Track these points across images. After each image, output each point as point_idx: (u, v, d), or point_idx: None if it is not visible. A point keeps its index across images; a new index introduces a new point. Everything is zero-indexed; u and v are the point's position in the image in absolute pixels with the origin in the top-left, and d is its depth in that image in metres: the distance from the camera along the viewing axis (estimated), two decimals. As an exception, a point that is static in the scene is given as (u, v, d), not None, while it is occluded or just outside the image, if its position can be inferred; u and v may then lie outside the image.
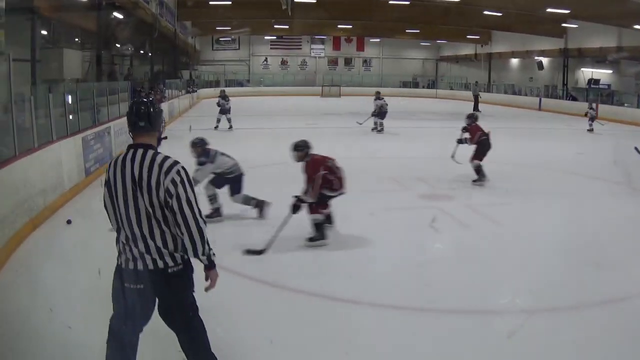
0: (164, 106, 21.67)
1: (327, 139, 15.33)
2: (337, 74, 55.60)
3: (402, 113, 29.36)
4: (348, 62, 57.58)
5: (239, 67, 54.45)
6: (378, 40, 55.62)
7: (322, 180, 7.29)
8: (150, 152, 3.40)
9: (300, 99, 42.79)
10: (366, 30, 48.19)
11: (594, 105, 24.21)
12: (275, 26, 42.79)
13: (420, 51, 57.61)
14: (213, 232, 7.21)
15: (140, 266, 3.37)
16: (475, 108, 32.15)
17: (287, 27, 42.69)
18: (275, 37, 53.51)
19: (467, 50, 51.75)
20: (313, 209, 7.42)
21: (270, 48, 55.47)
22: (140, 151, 3.39)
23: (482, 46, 48.85)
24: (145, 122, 3.44)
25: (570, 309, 5.67)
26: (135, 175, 3.32)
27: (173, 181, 3.32)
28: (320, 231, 7.49)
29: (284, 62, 56.18)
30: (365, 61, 57.86)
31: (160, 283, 3.39)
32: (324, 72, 56.02)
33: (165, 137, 3.78)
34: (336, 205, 8.03)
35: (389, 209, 9.47)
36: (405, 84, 55.89)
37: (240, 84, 51.51)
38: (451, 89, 53.07)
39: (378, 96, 21.42)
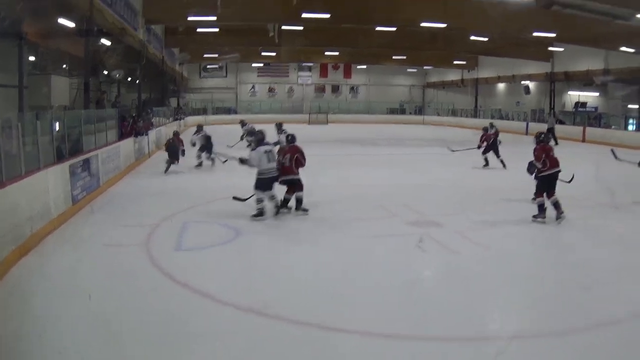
0: (152, 134, 21.76)
1: (314, 166, 14.86)
2: (325, 101, 56.26)
3: (390, 140, 29.79)
4: (335, 89, 58.25)
5: (227, 94, 54.94)
6: (365, 67, 56.20)
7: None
8: None
9: (288, 126, 42.06)
10: (353, 57, 48.65)
11: None
12: (263, 53, 43.02)
13: (407, 77, 58.38)
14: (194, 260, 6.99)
15: None
16: (554, 140, 26.90)
17: (275, 54, 42.82)
18: (262, 65, 53.95)
19: (453, 75, 52.25)
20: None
21: (258, 75, 56.05)
22: None
23: (468, 71, 49.29)
24: None
25: (559, 334, 5.69)
26: None
27: None
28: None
29: (271, 90, 56.72)
30: (352, 88, 58.61)
31: None
32: (311, 99, 56.66)
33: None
34: (324, 231, 8.06)
35: (377, 236, 9.41)
36: (392, 111, 56.54)
37: (229, 111, 51.99)
38: (438, 115, 53.76)
39: (280, 128, 18.08)
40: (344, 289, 6.95)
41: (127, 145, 17.42)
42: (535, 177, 10.28)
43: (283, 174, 10.39)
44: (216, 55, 43.63)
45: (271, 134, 12.40)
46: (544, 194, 10.16)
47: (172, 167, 16.42)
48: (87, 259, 8.00)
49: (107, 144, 14.87)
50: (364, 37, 32.85)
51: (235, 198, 11.06)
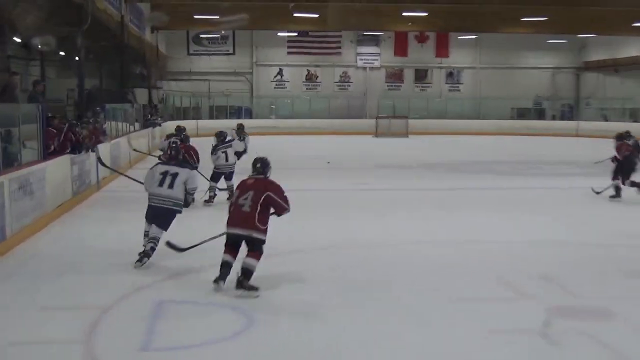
0: (104, 148, 16.47)
1: (389, 209, 12.78)
2: (403, 97, 43.67)
3: (514, 164, 22.63)
4: (421, 76, 45.36)
5: (235, 83, 42.63)
6: (473, 37, 43.11)
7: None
8: None
9: (340, 141, 33.60)
10: (451, 21, 35.70)
11: None
12: (296, 14, 31.77)
13: (548, 55, 45.28)
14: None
15: None
16: None
17: (317, 15, 32.10)
18: (295, 34, 41.71)
19: (636, 49, 38.98)
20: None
21: (288, 53, 43.50)
22: None
23: None
24: None
25: None
26: None
27: None
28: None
29: (310, 77, 44.36)
30: (450, 74, 45.83)
31: None
32: (379, 93, 44.36)
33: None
34: (407, 324, 5.95)
35: (496, 333, 6.49)
36: (521, 113, 44.18)
37: (238, 113, 40.99)
38: (606, 119, 39.98)
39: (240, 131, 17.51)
40: None
41: (59, 168, 12.47)
42: None
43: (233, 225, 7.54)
44: (215, 17, 31.61)
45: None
46: None
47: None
48: None
49: (20, 167, 10.46)
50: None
51: (169, 245, 8.17)
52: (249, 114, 41.81)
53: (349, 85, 44.93)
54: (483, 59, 45.43)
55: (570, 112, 44.50)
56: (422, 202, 14.94)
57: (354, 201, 14.69)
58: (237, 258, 7.59)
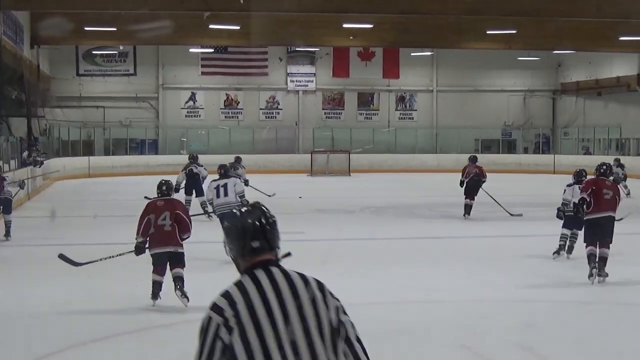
0: None
1: (327, 263, 12.76)
2: (343, 127, 44.10)
3: (478, 207, 21.95)
4: (365, 101, 45.97)
5: (136, 111, 43.05)
6: (428, 53, 44.03)
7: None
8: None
9: (267, 180, 30.87)
10: (403, 35, 35.28)
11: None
12: (212, 26, 31.56)
13: (519, 76, 46.13)
14: None
15: None
16: None
17: (238, 27, 31.74)
18: (211, 50, 42.12)
19: (621, 69, 40.62)
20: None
21: (202, 73, 43.66)
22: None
23: None
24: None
25: None
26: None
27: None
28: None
29: (230, 103, 44.81)
30: (401, 99, 46.37)
31: None
32: (314, 122, 44.97)
33: None
34: None
35: None
36: (486, 146, 44.90)
37: (141, 147, 42.03)
38: (587, 151, 41.24)
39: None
40: None
41: None
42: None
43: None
44: (112, 29, 32.15)
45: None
46: None
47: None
48: None
49: None
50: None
51: (62, 257, 11.10)
52: (154, 149, 42.31)
53: (278, 113, 45.86)
54: (441, 80, 46.58)
55: (546, 144, 45.91)
56: (366, 253, 15.39)
57: (292, 259, 14.80)
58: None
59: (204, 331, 3.32)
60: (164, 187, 10.69)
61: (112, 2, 27.21)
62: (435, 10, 28.95)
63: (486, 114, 45.66)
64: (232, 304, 3.35)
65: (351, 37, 36.61)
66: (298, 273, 3.55)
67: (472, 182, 20.05)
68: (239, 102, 45.14)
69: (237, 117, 45.10)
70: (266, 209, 3.64)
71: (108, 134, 41.61)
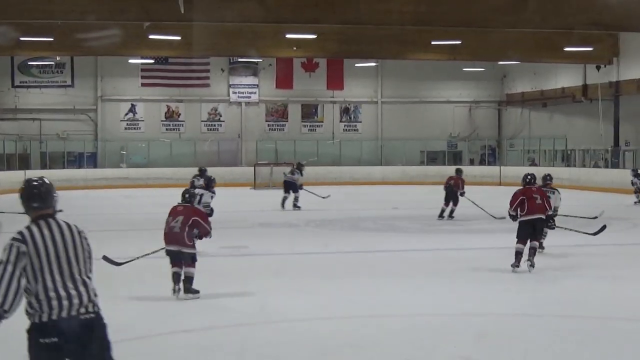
0: None
1: (272, 278, 13.14)
2: (287, 139, 44.72)
3: (425, 220, 23.13)
4: (309, 113, 46.62)
5: (74, 123, 42.94)
6: (373, 64, 44.76)
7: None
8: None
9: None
10: (347, 46, 35.40)
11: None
12: (152, 36, 31.71)
13: (464, 87, 47.11)
14: None
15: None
16: None
17: (179, 38, 31.97)
18: (151, 61, 42.20)
19: (566, 80, 41.78)
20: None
21: (142, 85, 43.90)
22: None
23: (598, 69, 39.29)
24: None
25: None
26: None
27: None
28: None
29: (171, 115, 44.83)
30: (345, 110, 46.94)
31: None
32: (258, 134, 45.41)
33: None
34: None
35: None
36: (432, 158, 46.13)
37: (79, 160, 41.87)
38: (533, 162, 42.28)
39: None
40: None
41: None
42: None
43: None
44: (48, 39, 32.06)
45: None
46: None
47: None
48: None
49: None
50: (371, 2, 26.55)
51: (106, 259, 12.29)
52: (93, 162, 42.01)
53: (220, 125, 45.73)
54: (386, 91, 46.89)
55: (492, 155, 46.64)
56: (312, 268, 15.29)
57: (228, 269, 14.68)
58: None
59: (7, 251, 4.95)
60: (187, 195, 12.35)
61: (49, 12, 26.36)
62: (378, 21, 28.81)
63: (432, 126, 45.94)
64: (24, 237, 5.06)
65: (294, 48, 36.35)
66: (66, 222, 5.30)
67: (448, 190, 23.09)
68: (180, 114, 44.86)
69: (179, 130, 44.82)
70: (43, 181, 5.46)
71: (45, 147, 41.26)
